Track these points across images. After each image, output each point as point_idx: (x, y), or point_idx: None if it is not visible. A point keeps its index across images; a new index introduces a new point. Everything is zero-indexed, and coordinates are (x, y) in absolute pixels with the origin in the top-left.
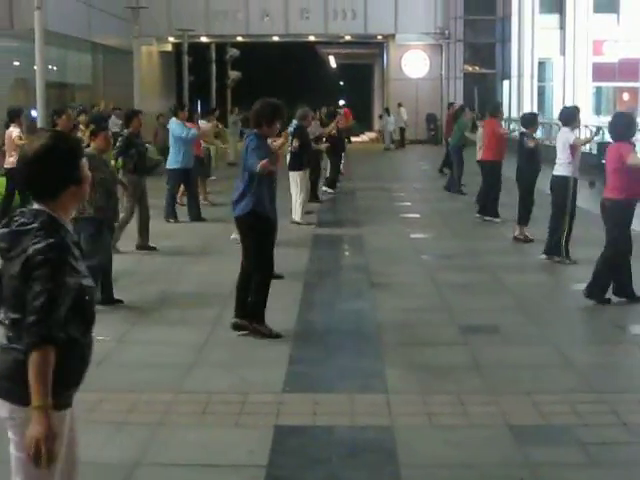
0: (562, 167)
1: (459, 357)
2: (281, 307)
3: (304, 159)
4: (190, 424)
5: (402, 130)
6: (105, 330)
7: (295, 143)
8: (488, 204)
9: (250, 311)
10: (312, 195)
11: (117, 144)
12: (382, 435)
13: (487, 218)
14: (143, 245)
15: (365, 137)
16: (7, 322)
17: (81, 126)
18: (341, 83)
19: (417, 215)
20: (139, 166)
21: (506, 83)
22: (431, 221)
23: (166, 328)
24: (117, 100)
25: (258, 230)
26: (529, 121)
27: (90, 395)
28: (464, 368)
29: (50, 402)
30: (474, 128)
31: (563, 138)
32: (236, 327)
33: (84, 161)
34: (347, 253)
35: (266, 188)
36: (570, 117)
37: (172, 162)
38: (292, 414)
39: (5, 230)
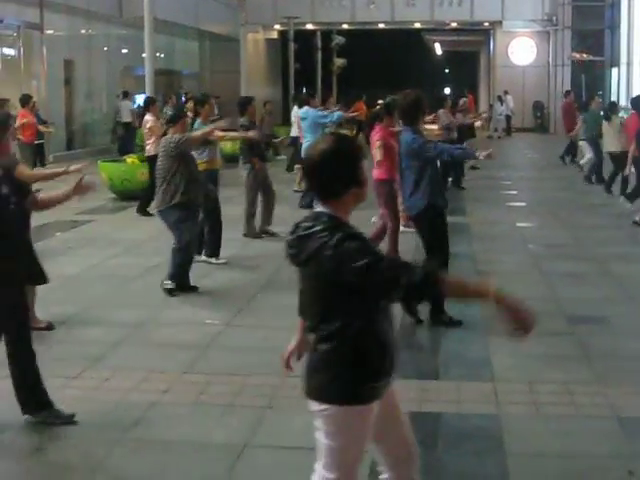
0: None
1: (566, 347)
2: None
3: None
4: (298, 407)
5: (508, 118)
6: (214, 314)
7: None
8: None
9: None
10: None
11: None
12: (489, 423)
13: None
14: (263, 230)
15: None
16: (317, 332)
17: (189, 113)
18: (446, 71)
19: (523, 204)
20: (258, 153)
21: (615, 71)
22: (538, 209)
23: (273, 313)
24: (223, 88)
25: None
26: None
27: (199, 377)
28: (572, 358)
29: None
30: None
31: None
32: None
33: (365, 163)
34: (452, 241)
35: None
36: None
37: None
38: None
39: (293, 237)
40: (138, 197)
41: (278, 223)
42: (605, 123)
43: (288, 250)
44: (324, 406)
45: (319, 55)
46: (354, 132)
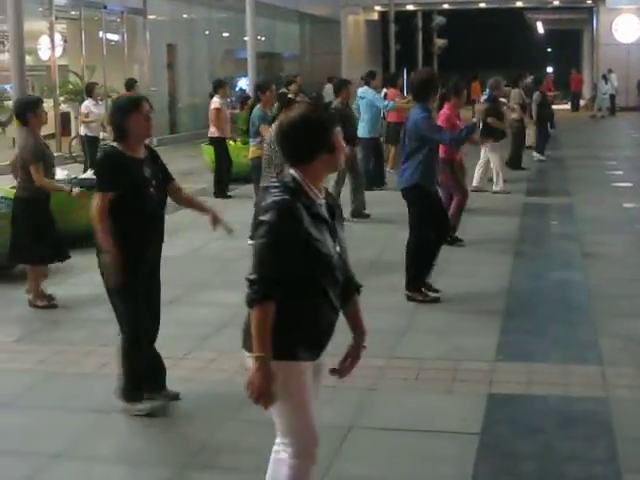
0: None
1: None
2: (491, 275)
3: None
4: (402, 390)
5: (612, 97)
6: None
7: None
8: None
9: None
10: (516, 163)
11: None
12: (597, 407)
13: None
14: (357, 212)
15: (566, 105)
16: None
17: (290, 95)
18: (548, 50)
19: (630, 184)
20: (348, 136)
21: None
22: None
23: (374, 293)
24: (324, 70)
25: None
26: None
27: None
28: None
29: (269, 353)
30: None
31: None
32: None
33: (337, 130)
34: (557, 222)
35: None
36: None
37: (366, 131)
38: (505, 382)
39: (261, 189)
40: (241, 179)
41: None
42: None
43: (257, 204)
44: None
45: (419, 36)
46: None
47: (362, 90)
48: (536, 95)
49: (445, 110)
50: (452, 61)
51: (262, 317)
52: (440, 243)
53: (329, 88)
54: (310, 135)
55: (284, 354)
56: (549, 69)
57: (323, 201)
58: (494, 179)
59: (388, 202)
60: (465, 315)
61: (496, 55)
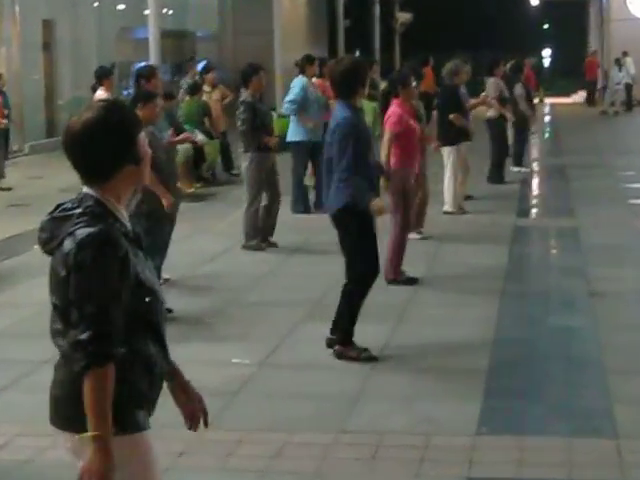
0: None
1: None
2: (473, 321)
3: (457, 129)
4: (355, 474)
5: (628, 87)
6: (242, 351)
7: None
8: None
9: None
10: (496, 175)
11: (238, 112)
12: None
13: None
14: (261, 239)
15: (577, 97)
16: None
17: (205, 87)
18: (545, 27)
19: None
20: (265, 141)
21: None
22: None
23: (317, 348)
24: (250, 53)
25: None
26: None
27: (226, 435)
28: None
29: (110, 430)
30: None
31: None
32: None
33: (143, 136)
34: (557, 251)
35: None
36: None
37: (297, 133)
38: (490, 463)
39: (46, 218)
40: None
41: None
42: None
43: (40, 234)
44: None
45: (377, 9)
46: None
47: (296, 81)
48: (518, 87)
49: (395, 109)
50: (419, 41)
51: (103, 384)
52: (368, 283)
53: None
54: (110, 143)
55: (126, 425)
56: (545, 52)
57: (130, 226)
58: (445, 194)
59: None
60: (438, 374)
61: (476, 34)
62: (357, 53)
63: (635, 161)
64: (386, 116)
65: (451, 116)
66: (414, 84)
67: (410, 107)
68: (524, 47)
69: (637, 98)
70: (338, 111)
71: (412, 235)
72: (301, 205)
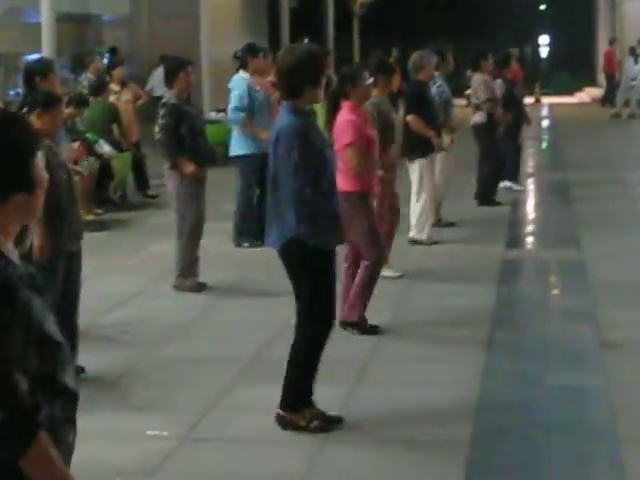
0: None
1: None
2: (453, 380)
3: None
4: None
5: None
6: (160, 421)
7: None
8: None
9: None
10: (486, 195)
11: (159, 116)
12: None
13: None
14: (182, 276)
15: (583, 95)
16: None
17: (113, 86)
18: (541, 8)
19: None
20: (194, 151)
21: None
22: None
23: (255, 415)
24: (172, 42)
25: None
26: None
27: None
28: None
29: None
30: None
31: None
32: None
33: (38, 158)
34: (558, 290)
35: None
36: None
37: (242, 144)
38: None
39: None
40: None
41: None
42: None
43: None
44: None
45: None
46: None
47: (236, 80)
48: (498, 83)
49: (347, 116)
50: (383, 28)
51: (46, 453)
52: (324, 335)
53: (159, 73)
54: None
55: None
56: (542, 39)
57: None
58: (411, 218)
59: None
60: (408, 448)
61: (455, 18)
62: (305, 41)
63: None
64: (335, 124)
65: (408, 118)
66: (369, 81)
67: (364, 111)
68: (517, 33)
69: None
70: (281, 115)
71: (387, 272)
72: (246, 237)
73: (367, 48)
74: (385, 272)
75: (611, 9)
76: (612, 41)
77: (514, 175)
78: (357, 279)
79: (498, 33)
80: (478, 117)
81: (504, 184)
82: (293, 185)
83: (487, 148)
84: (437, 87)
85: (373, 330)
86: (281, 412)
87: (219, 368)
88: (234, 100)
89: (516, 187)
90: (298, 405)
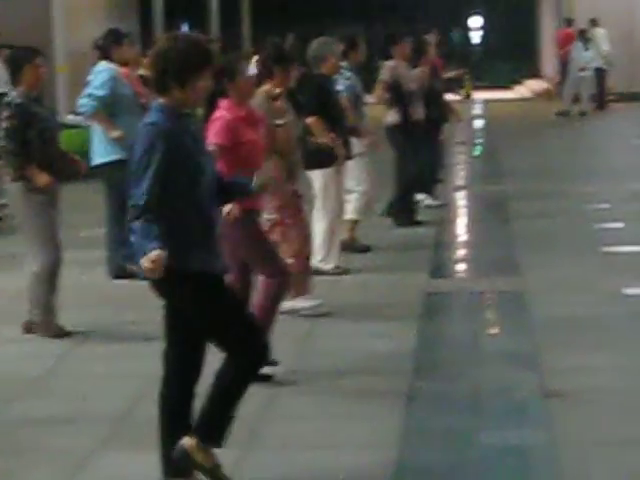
0: None
1: None
2: (365, 441)
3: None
4: None
5: (599, 74)
6: None
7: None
8: None
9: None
10: (403, 213)
11: (2, 119)
12: None
13: None
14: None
15: (524, 89)
16: None
17: None
18: None
19: (638, 248)
20: (45, 160)
21: None
22: None
23: None
24: (15, 27)
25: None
26: None
27: None
28: None
29: None
30: None
31: None
32: None
33: None
34: (492, 329)
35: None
36: None
37: (106, 150)
38: None
39: None
40: None
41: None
42: None
43: None
44: None
45: None
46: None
47: (100, 67)
48: (415, 74)
49: (223, 112)
50: (281, 9)
51: None
52: (247, 380)
53: (0, 67)
54: None
55: None
56: (473, 21)
57: None
58: (315, 242)
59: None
60: None
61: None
62: (184, 28)
63: (610, 188)
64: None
65: (308, 120)
66: (250, 73)
67: (247, 110)
68: (442, 15)
69: (614, 91)
70: (149, 116)
71: (298, 303)
72: (117, 265)
73: (260, 34)
74: (303, 303)
75: None
76: (570, 21)
77: (428, 186)
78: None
79: (422, 14)
80: (391, 117)
81: (419, 198)
82: (144, 191)
83: (403, 154)
84: (345, 81)
85: (265, 379)
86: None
87: (79, 431)
88: (92, 87)
89: (430, 201)
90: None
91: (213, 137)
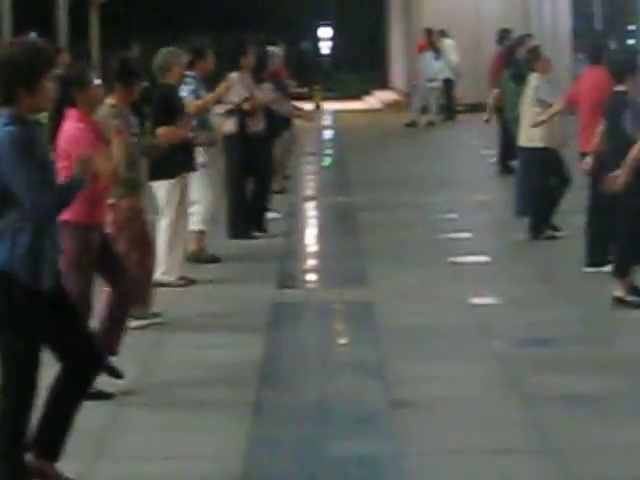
0: None
1: None
2: (211, 452)
3: (179, 155)
4: None
5: (448, 85)
6: None
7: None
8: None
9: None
10: (243, 225)
11: None
12: None
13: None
14: None
15: (373, 100)
16: None
17: None
18: None
19: (484, 258)
20: None
21: None
22: (513, 269)
23: None
24: None
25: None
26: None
27: None
28: None
29: None
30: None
31: None
32: None
33: None
34: (340, 339)
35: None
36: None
37: None
38: None
39: None
40: None
41: None
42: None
43: None
44: None
45: None
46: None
47: None
48: (267, 87)
49: (72, 124)
50: (130, 19)
51: None
52: (81, 391)
53: None
54: None
55: None
56: (323, 32)
57: None
58: (159, 254)
59: None
60: None
61: (218, 8)
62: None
63: (458, 198)
64: (61, 136)
65: (160, 130)
66: (96, 83)
67: (94, 121)
68: (293, 25)
69: (463, 102)
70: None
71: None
72: None
73: (109, 44)
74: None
75: None
76: (429, 32)
77: (261, 203)
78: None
79: (271, 25)
80: (229, 125)
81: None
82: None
83: (239, 164)
84: (191, 91)
85: (106, 396)
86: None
87: None
88: None
89: (274, 214)
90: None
91: (65, 145)
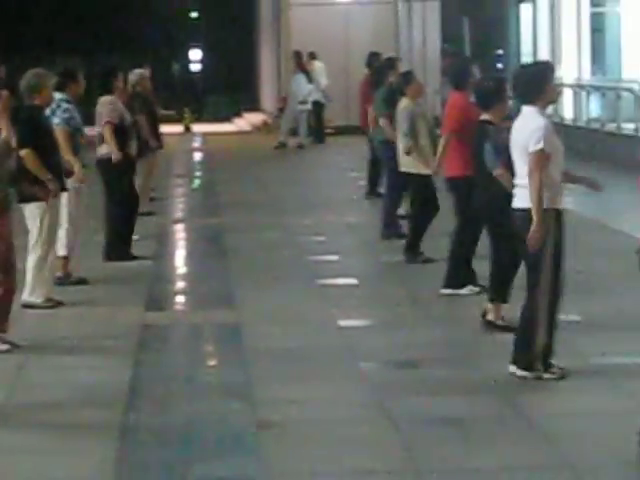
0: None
1: None
2: (77, 476)
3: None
4: None
5: (317, 107)
6: None
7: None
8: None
9: None
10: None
11: None
12: None
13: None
14: None
15: (243, 123)
16: None
17: None
18: (193, 15)
19: (352, 280)
20: None
21: (526, 7)
22: (381, 292)
23: None
24: None
25: None
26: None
27: None
28: None
29: None
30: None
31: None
32: None
33: None
34: (208, 361)
35: None
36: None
37: None
38: None
39: None
40: None
41: None
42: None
43: None
44: None
45: None
46: None
47: None
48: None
49: None
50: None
51: None
52: None
53: None
54: None
55: None
56: (194, 54)
57: None
58: (27, 275)
59: None
60: None
61: (89, 30)
62: None
63: (327, 220)
64: None
65: (22, 152)
66: None
67: None
68: (164, 47)
69: (332, 124)
70: None
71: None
72: None
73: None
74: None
75: (276, 18)
76: (298, 55)
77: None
78: None
79: (144, 47)
80: (103, 149)
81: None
82: None
83: (113, 188)
84: (62, 112)
85: None
86: None
87: None
88: None
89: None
90: None
91: None
